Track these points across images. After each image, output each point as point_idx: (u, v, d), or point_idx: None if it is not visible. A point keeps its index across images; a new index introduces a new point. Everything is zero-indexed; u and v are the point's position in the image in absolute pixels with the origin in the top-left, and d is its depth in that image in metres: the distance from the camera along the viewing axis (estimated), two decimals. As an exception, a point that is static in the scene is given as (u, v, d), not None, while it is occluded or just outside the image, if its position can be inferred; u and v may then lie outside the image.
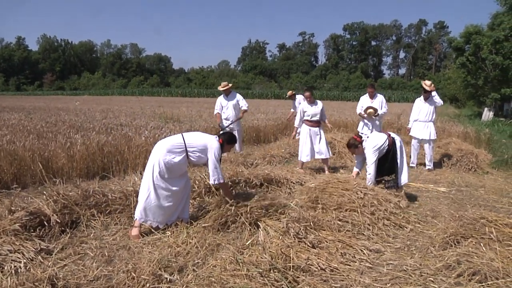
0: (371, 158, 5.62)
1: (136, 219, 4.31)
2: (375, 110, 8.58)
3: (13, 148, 6.51)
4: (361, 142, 5.79)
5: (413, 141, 8.59)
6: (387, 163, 5.80)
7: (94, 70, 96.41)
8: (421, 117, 8.39)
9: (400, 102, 53.91)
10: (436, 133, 8.67)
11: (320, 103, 7.86)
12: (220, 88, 8.91)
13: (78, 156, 6.87)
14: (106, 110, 18.12)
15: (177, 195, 4.38)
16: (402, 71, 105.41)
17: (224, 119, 8.88)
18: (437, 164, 8.78)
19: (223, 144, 4.58)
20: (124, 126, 10.15)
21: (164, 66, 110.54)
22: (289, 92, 12.49)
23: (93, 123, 10.90)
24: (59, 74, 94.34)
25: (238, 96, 8.95)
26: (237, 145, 8.96)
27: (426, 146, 8.37)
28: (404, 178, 5.88)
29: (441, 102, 8.37)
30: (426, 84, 8.29)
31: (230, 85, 8.93)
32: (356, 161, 6.20)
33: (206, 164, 4.52)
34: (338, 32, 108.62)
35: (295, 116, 11.69)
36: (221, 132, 9.02)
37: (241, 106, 8.88)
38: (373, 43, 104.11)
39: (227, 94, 8.89)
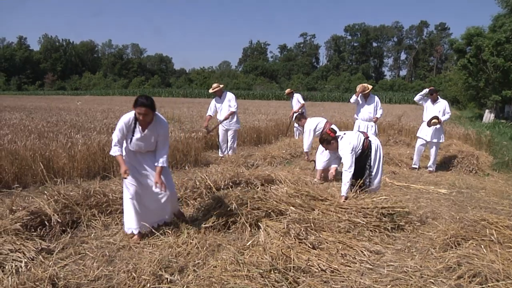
0: (347, 160, 5.29)
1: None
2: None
3: (14, 147, 6.51)
4: (334, 138, 5.57)
5: (418, 142, 8.46)
6: (359, 164, 5.49)
7: (95, 70, 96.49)
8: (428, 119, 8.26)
9: (401, 103, 53.96)
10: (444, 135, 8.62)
11: (322, 119, 7.75)
12: (210, 91, 8.70)
13: (79, 156, 6.87)
14: (107, 110, 18.13)
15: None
16: (403, 72, 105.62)
17: (220, 120, 8.75)
18: (438, 166, 8.76)
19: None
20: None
21: (165, 66, 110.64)
22: (287, 90, 12.52)
23: (94, 123, 10.91)
24: (60, 74, 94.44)
25: (229, 96, 8.66)
26: (229, 148, 8.85)
27: (433, 148, 8.28)
28: (376, 183, 5.67)
29: (448, 116, 8.32)
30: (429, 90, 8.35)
31: (222, 85, 8.71)
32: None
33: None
34: (339, 33, 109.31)
35: (295, 113, 11.76)
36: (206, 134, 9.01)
37: (230, 107, 8.62)
38: (374, 44, 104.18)
39: (220, 95, 8.68)
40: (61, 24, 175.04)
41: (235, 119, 8.75)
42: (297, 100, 12.01)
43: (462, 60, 22.54)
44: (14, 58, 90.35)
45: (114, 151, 3.98)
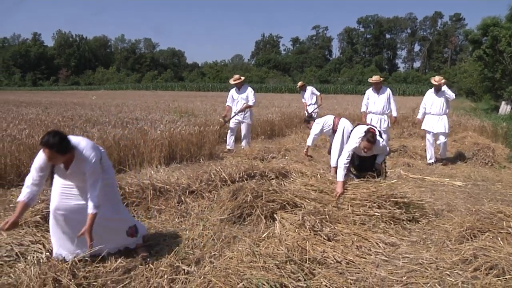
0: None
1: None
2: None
3: (32, 142, 6.61)
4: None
5: (428, 136, 8.30)
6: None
7: (108, 65, 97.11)
8: (434, 110, 8.13)
9: (415, 95, 53.38)
10: (451, 126, 8.53)
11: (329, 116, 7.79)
12: (231, 82, 8.87)
13: (95, 149, 6.95)
14: (121, 105, 18.26)
15: None
16: (417, 64, 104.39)
17: (234, 112, 8.88)
18: (453, 158, 8.69)
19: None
20: (139, 120, 10.23)
21: (177, 60, 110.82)
22: (300, 83, 12.46)
23: (108, 117, 11.00)
24: (74, 69, 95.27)
25: (249, 90, 8.86)
26: (243, 140, 8.95)
27: (441, 139, 8.13)
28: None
29: (453, 95, 8.10)
30: (435, 80, 8.11)
31: (243, 78, 8.89)
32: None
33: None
34: (352, 25, 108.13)
35: (309, 106, 11.77)
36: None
37: (247, 101, 8.76)
38: (388, 36, 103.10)
39: (239, 87, 8.87)
40: (74, 20, 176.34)
41: (249, 113, 8.85)
42: (312, 92, 11.96)
43: (478, 51, 22.15)
44: (29, 54, 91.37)
45: (23, 194, 3.11)
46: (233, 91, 8.96)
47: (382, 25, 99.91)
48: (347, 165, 5.35)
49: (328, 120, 7.39)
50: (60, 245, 3.36)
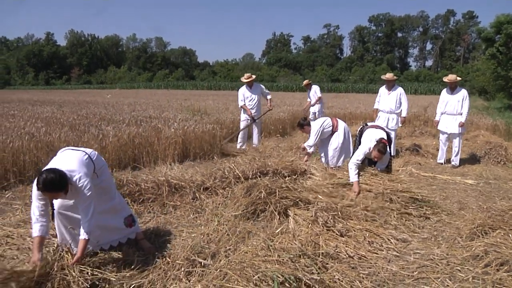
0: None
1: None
2: None
3: (49, 139, 6.77)
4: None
5: (441, 136, 8.16)
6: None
7: (120, 64, 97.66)
8: (449, 110, 7.91)
9: (427, 94, 52.99)
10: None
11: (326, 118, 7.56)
12: (244, 80, 8.96)
13: (110, 147, 7.09)
14: (133, 103, 18.43)
15: None
16: (429, 63, 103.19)
17: (253, 111, 8.95)
18: (465, 157, 8.67)
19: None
20: (153, 119, 10.38)
21: (189, 59, 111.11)
22: (305, 82, 12.40)
23: (122, 115, 11.16)
24: (86, 68, 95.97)
25: (262, 87, 9.10)
26: (255, 139, 9.05)
27: (455, 140, 7.90)
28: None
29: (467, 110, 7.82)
30: (448, 78, 7.96)
31: (254, 76, 9.00)
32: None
33: None
34: (363, 23, 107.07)
35: (312, 105, 11.74)
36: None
37: (266, 95, 9.08)
38: (399, 34, 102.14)
39: (251, 85, 8.97)
40: (87, 19, 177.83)
41: (261, 109, 9.02)
42: (315, 92, 11.95)
43: (491, 49, 21.94)
44: (42, 54, 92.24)
45: (35, 230, 3.04)
46: (244, 90, 9.02)
47: (393, 23, 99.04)
48: (359, 166, 5.42)
49: (327, 119, 7.01)
50: (63, 239, 3.48)
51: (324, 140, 6.92)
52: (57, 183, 2.90)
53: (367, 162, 5.95)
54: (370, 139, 5.66)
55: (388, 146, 5.58)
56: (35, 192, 3.05)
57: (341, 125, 6.93)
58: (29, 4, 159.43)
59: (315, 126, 6.84)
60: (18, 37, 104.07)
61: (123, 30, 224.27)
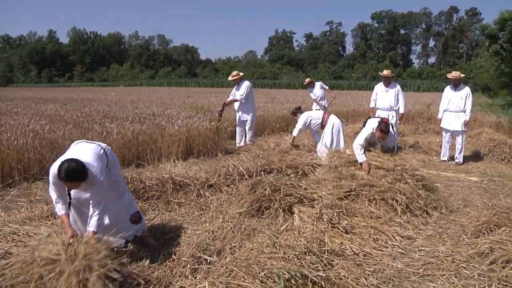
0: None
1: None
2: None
3: (53, 137, 6.78)
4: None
5: (444, 134, 8.12)
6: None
7: (122, 62, 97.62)
8: (452, 107, 7.85)
9: (430, 91, 52.85)
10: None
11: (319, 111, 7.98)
12: (230, 78, 8.82)
13: (114, 144, 7.06)
14: (136, 101, 18.43)
15: None
16: (431, 60, 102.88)
17: (235, 108, 8.91)
18: (469, 154, 8.66)
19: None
20: (156, 116, 10.36)
21: (191, 56, 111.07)
22: (307, 80, 12.39)
23: (125, 113, 11.15)
24: (89, 66, 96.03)
25: (244, 85, 8.63)
26: (248, 135, 8.96)
27: (458, 138, 7.86)
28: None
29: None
30: (452, 75, 7.94)
31: (241, 74, 8.76)
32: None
33: None
34: (366, 20, 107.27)
35: (320, 101, 11.75)
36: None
37: (235, 95, 8.79)
38: (402, 31, 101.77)
39: (238, 83, 8.76)
40: (89, 17, 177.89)
41: (248, 107, 8.76)
42: (321, 85, 11.94)
43: (495, 46, 21.84)
44: (44, 52, 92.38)
45: (58, 209, 3.18)
46: (234, 88, 8.93)
47: (396, 20, 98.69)
48: (363, 147, 5.48)
49: (318, 114, 7.36)
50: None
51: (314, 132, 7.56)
52: (79, 172, 2.93)
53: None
54: (372, 125, 5.72)
55: (391, 126, 5.67)
56: (51, 178, 3.08)
57: (331, 120, 7.01)
58: (32, 2, 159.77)
59: (302, 118, 7.22)
60: (21, 35, 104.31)
61: (125, 28, 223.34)
